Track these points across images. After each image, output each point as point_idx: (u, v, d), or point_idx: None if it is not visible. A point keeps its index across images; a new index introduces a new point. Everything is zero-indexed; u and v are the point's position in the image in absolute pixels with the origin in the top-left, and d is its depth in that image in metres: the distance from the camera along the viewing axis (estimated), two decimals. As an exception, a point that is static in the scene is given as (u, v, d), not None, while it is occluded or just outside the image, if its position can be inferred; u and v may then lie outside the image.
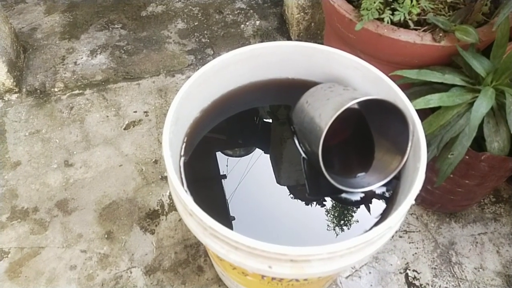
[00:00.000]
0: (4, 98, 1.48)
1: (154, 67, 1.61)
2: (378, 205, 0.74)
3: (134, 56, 1.64)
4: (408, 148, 0.73)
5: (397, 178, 0.76)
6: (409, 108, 0.73)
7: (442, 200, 1.15)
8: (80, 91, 1.53)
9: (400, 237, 1.18)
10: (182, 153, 0.80)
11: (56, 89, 1.52)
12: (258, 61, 0.89)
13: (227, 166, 0.83)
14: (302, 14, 1.53)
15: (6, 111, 1.45)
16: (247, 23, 1.77)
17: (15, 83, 1.47)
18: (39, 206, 1.23)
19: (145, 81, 1.57)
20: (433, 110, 0.92)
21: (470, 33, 0.89)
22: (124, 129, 1.44)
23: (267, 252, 0.59)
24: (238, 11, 1.83)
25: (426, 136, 0.90)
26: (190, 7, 1.84)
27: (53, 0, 1.86)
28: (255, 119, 0.93)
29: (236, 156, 0.85)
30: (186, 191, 0.74)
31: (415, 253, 1.15)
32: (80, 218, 1.22)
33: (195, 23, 1.77)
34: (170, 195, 1.27)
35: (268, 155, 0.85)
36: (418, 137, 0.71)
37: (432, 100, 0.85)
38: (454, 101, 0.86)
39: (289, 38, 1.69)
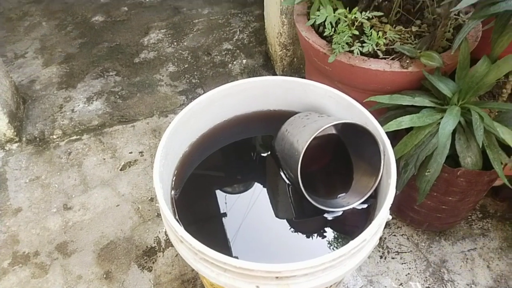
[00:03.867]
0: (5, 148, 1.55)
1: (148, 109, 1.69)
2: (358, 221, 0.78)
3: (129, 100, 1.72)
4: (381, 167, 0.78)
5: (374, 196, 0.81)
6: (379, 130, 0.79)
7: (429, 219, 1.18)
8: (78, 137, 1.59)
9: (393, 258, 1.20)
10: (173, 186, 0.85)
11: (54, 136, 1.59)
12: (241, 96, 0.96)
13: (216, 196, 0.88)
14: (284, 51, 1.63)
15: (7, 160, 1.51)
16: (234, 62, 1.88)
17: (15, 133, 1.54)
18: (40, 250, 1.26)
19: (140, 123, 1.64)
20: (408, 131, 0.98)
21: (434, 58, 0.97)
22: (120, 170, 1.49)
23: (253, 271, 0.63)
24: (226, 51, 1.93)
25: (403, 156, 0.96)
26: (180, 51, 1.95)
27: (50, 53, 1.97)
28: (241, 151, 0.99)
29: (226, 188, 0.90)
30: (177, 220, 0.79)
31: (408, 274, 1.17)
32: (79, 259, 1.24)
33: (185, 66, 1.87)
34: (166, 231, 1.30)
35: (253, 185, 0.90)
36: (388, 156, 0.76)
37: (404, 121, 0.92)
38: (425, 121, 0.92)
39: (274, 74, 1.78)
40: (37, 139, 1.58)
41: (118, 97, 1.74)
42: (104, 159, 1.53)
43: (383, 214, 0.67)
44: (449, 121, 0.87)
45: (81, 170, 1.49)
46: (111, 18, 2.16)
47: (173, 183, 0.86)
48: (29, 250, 1.26)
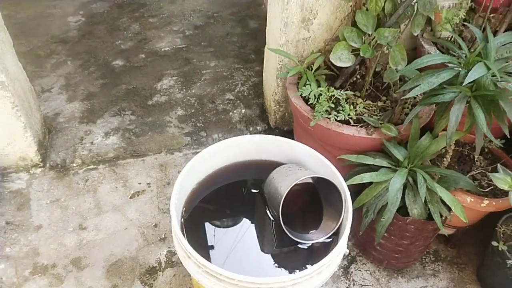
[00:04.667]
0: (30, 171, 1.78)
1: (157, 146, 1.94)
2: (323, 251, 1.02)
3: (141, 137, 1.98)
4: (343, 213, 1.04)
5: (337, 233, 1.06)
6: (342, 184, 1.06)
7: (389, 258, 1.42)
8: (95, 166, 1.83)
9: (357, 289, 1.43)
10: (183, 214, 1.09)
11: (74, 165, 1.83)
12: (241, 148, 1.22)
13: (214, 225, 1.12)
14: (277, 106, 1.91)
15: (31, 183, 1.74)
16: (235, 111, 2.16)
17: (41, 159, 1.78)
18: (57, 262, 1.47)
19: (149, 158, 1.89)
20: (369, 185, 1.25)
21: (392, 130, 1.25)
22: (130, 198, 1.72)
23: (241, 281, 0.87)
24: (228, 101, 2.22)
25: (365, 204, 1.22)
26: (188, 97, 2.23)
27: (74, 90, 2.24)
28: (238, 190, 1.24)
29: (223, 218, 1.15)
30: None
31: (369, 303, 1.39)
32: (90, 273, 1.45)
33: (192, 111, 2.15)
34: (166, 253, 1.52)
35: (243, 219, 1.15)
36: (348, 204, 1.02)
37: (365, 177, 1.18)
38: (381, 178, 1.19)
39: (268, 124, 2.06)
40: (59, 165, 1.82)
41: (132, 134, 2.00)
42: (116, 187, 1.76)
43: (339, 248, 0.92)
44: (397, 180, 1.13)
45: (96, 195, 1.72)
46: (130, 63, 2.46)
47: (183, 212, 1.11)
48: (47, 262, 1.47)
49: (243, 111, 2.15)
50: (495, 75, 1.02)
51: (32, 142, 1.71)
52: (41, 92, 2.21)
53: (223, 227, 1.14)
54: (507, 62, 1.09)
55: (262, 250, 1.08)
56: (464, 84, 1.00)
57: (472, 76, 0.98)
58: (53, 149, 1.89)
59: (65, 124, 2.03)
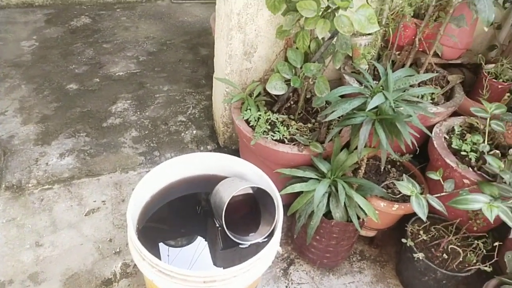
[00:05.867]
0: (-15, 192, 1.83)
1: (112, 166, 2.06)
2: (259, 249, 1.21)
3: (96, 158, 2.09)
4: (276, 218, 1.24)
5: (271, 235, 1.25)
6: (275, 192, 1.26)
7: (321, 258, 1.64)
8: (50, 186, 1.92)
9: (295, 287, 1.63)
10: (138, 223, 1.25)
11: (30, 185, 1.90)
12: (190, 164, 1.40)
13: (167, 230, 1.28)
14: (225, 127, 2.12)
15: (-14, 203, 1.79)
16: (186, 132, 2.33)
17: (-4, 180, 1.84)
18: (14, 278, 1.54)
19: (104, 177, 2.01)
20: (301, 194, 1.47)
21: (318, 147, 1.49)
22: (85, 215, 1.82)
23: (191, 276, 1.03)
24: (180, 123, 2.39)
25: (298, 210, 1.43)
26: (142, 119, 2.37)
27: (28, 113, 2.31)
28: (187, 200, 1.41)
29: (171, 225, 1.31)
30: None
31: (305, 298, 1.59)
32: (48, 287, 1.53)
33: (146, 132, 2.29)
34: (121, 265, 1.64)
35: (192, 226, 1.32)
36: (280, 210, 1.22)
37: (296, 187, 1.40)
38: (310, 187, 1.41)
39: (218, 144, 2.25)
40: (15, 186, 1.88)
41: (86, 154, 2.11)
42: (71, 205, 1.86)
43: (270, 247, 1.12)
44: (321, 188, 1.36)
45: (51, 214, 1.80)
46: (84, 87, 2.57)
47: (138, 221, 1.26)
48: (4, 278, 1.54)
49: (194, 132, 2.33)
50: (395, 102, 1.29)
51: (-12, 164, 1.78)
52: (-6, 115, 2.26)
53: (174, 239, 1.30)
54: (403, 92, 1.37)
55: (209, 252, 1.25)
56: (368, 109, 1.26)
57: (373, 103, 1.24)
58: (9, 170, 1.95)
59: (20, 146, 2.09)
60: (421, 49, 1.73)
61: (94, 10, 3.54)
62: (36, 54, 2.83)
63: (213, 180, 1.38)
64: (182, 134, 2.31)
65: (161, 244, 1.26)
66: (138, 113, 2.42)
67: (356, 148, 1.32)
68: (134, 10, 3.61)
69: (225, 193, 1.25)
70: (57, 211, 1.82)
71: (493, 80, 1.75)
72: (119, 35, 3.19)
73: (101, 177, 2.00)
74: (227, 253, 1.27)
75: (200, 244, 1.28)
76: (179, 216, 1.37)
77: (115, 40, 3.11)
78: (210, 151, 2.22)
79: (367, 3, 1.51)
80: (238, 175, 1.42)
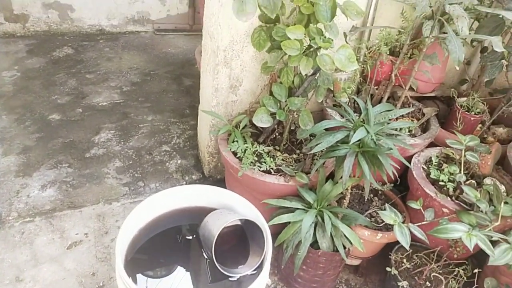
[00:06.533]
0: (-39, 226, 1.77)
1: (95, 197, 2.04)
2: (249, 282, 1.22)
3: (78, 189, 2.07)
4: (265, 249, 1.26)
5: (260, 267, 1.27)
6: (264, 223, 1.29)
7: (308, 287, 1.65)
8: (31, 219, 1.88)
9: (282, 319, 1.63)
10: (125, 255, 1.24)
11: (10, 218, 1.85)
12: (177, 196, 1.41)
13: (154, 263, 1.28)
14: (211, 157, 2.14)
15: (-37, 238, 1.73)
16: (171, 162, 2.34)
17: (-26, 213, 1.79)
18: (-9, 316, 1.48)
19: (87, 209, 1.98)
20: (288, 224, 1.49)
21: (303, 178, 1.54)
22: (67, 248, 1.79)
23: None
24: (164, 152, 2.40)
25: (285, 240, 1.45)
26: (126, 150, 2.37)
27: (9, 144, 2.28)
28: (176, 231, 1.42)
29: (159, 258, 1.31)
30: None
31: (292, 329, 1.59)
32: (27, 324, 1.48)
33: (130, 162, 2.29)
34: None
35: (181, 258, 1.32)
36: (268, 241, 1.24)
37: (283, 218, 1.43)
38: (296, 218, 1.44)
39: (203, 173, 2.26)
40: (-6, 219, 1.83)
41: (69, 186, 2.08)
42: (53, 238, 1.81)
43: (261, 280, 1.13)
44: (308, 219, 1.40)
45: (32, 247, 1.75)
46: (67, 117, 2.56)
47: (126, 254, 1.25)
48: (-19, 317, 1.48)
49: (179, 161, 2.34)
50: (376, 135, 1.36)
51: (-33, 197, 1.73)
52: (-28, 146, 2.21)
53: (161, 272, 1.29)
54: (383, 125, 1.44)
55: (198, 285, 1.25)
56: (351, 142, 1.32)
57: (356, 137, 1.30)
58: (-13, 203, 1.90)
59: (0, 178, 2.05)
60: (397, 84, 1.83)
61: (77, 41, 3.56)
62: (18, 85, 2.81)
63: (201, 212, 1.39)
64: (167, 164, 2.32)
65: (148, 277, 1.26)
66: (122, 143, 2.42)
67: (341, 177, 1.37)
68: (117, 41, 3.66)
69: (214, 225, 1.27)
70: (38, 245, 1.77)
71: (466, 112, 1.86)
72: (102, 66, 3.21)
73: (83, 209, 1.98)
74: (215, 286, 1.27)
75: (188, 277, 1.28)
76: (167, 248, 1.37)
77: (98, 71, 3.13)
78: (195, 180, 2.23)
79: (346, 42, 1.60)
80: (226, 207, 1.44)
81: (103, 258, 1.76)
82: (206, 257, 1.32)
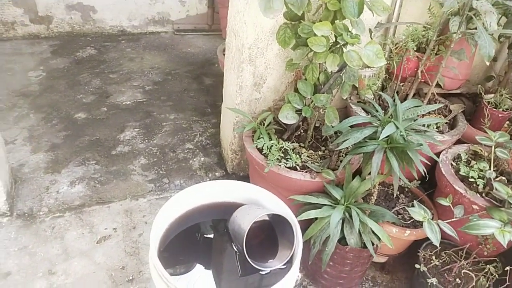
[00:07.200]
0: (-4, 221, 1.84)
1: (122, 193, 2.08)
2: (279, 276, 1.23)
3: (106, 185, 2.11)
4: (294, 244, 1.27)
5: (290, 261, 1.28)
6: (293, 219, 1.30)
7: (334, 285, 1.65)
8: (61, 214, 1.93)
9: (308, 314, 1.63)
10: (158, 246, 1.26)
11: (41, 213, 1.91)
12: (206, 192, 1.43)
13: (186, 254, 1.30)
14: (234, 154, 2.16)
15: (-3, 232, 1.79)
16: (194, 159, 2.37)
17: (8, 208, 1.85)
18: (27, 307, 1.53)
19: (114, 204, 2.02)
20: (315, 220, 1.50)
21: (330, 174, 1.54)
22: (97, 243, 1.83)
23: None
24: (187, 150, 2.43)
25: (312, 236, 1.46)
26: (151, 147, 2.41)
27: (38, 142, 2.34)
28: (205, 226, 1.44)
29: (189, 252, 1.33)
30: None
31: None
32: (61, 316, 1.53)
33: (155, 160, 2.33)
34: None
35: (213, 250, 1.34)
36: (298, 235, 1.25)
37: (311, 214, 1.44)
38: (324, 214, 1.45)
39: (225, 171, 2.29)
40: (26, 214, 1.89)
41: (97, 182, 2.13)
42: (83, 233, 1.86)
43: (292, 274, 1.14)
44: (336, 215, 1.40)
45: (63, 242, 1.80)
46: (92, 116, 2.61)
47: (160, 245, 1.28)
48: (17, 308, 1.53)
49: (202, 159, 2.37)
50: (405, 131, 1.36)
51: (2, 192, 1.79)
52: (4, 144, 2.28)
53: (192, 266, 1.31)
54: (412, 121, 1.43)
55: (228, 279, 1.27)
56: (380, 138, 1.32)
57: (385, 133, 1.30)
58: (20, 198, 1.96)
59: (30, 175, 2.11)
60: (423, 80, 1.82)
61: (99, 41, 3.64)
62: (44, 84, 2.89)
63: (229, 207, 1.41)
64: (190, 161, 2.35)
65: (180, 271, 1.28)
66: (146, 141, 2.46)
67: (369, 174, 1.37)
68: (138, 42, 3.72)
69: (244, 220, 1.28)
70: (68, 239, 1.82)
71: (493, 109, 1.84)
72: (125, 66, 3.27)
73: (111, 205, 2.02)
74: (244, 281, 1.29)
75: (218, 271, 1.30)
76: (196, 243, 1.39)
77: (121, 71, 3.19)
78: (219, 177, 2.26)
79: (371, 38, 1.60)
80: (253, 202, 1.45)
81: (132, 252, 1.80)
82: (236, 250, 1.33)
